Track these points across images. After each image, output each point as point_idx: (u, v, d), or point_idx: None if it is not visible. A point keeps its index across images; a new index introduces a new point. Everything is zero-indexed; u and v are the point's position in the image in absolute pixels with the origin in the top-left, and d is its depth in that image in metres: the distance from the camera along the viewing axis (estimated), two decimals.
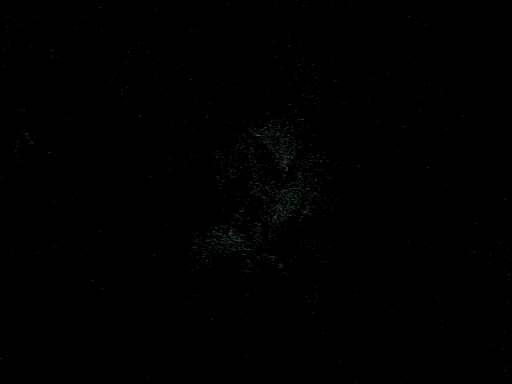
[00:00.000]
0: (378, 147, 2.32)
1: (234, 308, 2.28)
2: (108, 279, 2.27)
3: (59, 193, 2.30)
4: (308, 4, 2.34)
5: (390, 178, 2.31)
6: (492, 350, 2.21)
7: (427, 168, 2.30)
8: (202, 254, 2.30)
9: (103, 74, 2.33)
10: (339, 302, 2.27)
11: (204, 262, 2.30)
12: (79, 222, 2.29)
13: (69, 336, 2.25)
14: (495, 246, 2.25)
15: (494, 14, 2.28)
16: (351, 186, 2.31)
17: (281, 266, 2.29)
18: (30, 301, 2.27)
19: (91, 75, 2.33)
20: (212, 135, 2.35)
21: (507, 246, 2.25)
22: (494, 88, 2.29)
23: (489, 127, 2.29)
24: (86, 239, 2.29)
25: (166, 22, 2.34)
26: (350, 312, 2.27)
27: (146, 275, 2.28)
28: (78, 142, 2.32)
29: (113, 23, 2.33)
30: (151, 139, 2.34)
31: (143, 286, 2.28)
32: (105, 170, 2.32)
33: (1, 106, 2.30)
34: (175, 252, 2.31)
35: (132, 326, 2.26)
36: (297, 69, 2.37)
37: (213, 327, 2.27)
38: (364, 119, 2.33)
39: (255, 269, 2.30)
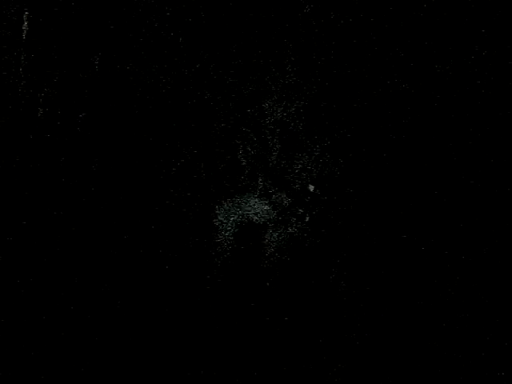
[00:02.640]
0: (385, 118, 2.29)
1: (256, 279, 2.28)
2: (126, 248, 2.28)
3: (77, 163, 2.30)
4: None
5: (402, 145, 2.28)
6: (492, 349, 2.22)
7: (424, 164, 2.28)
8: (224, 224, 2.30)
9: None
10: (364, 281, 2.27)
11: (227, 231, 2.30)
12: (95, 177, 2.29)
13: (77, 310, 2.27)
14: (495, 246, 2.24)
15: (494, 14, 2.25)
16: (369, 157, 2.29)
17: (307, 218, 2.27)
18: (30, 297, 2.28)
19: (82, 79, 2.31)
20: (230, 105, 2.33)
21: (507, 246, 2.24)
22: (494, 88, 2.26)
23: (489, 127, 2.26)
24: (105, 198, 2.29)
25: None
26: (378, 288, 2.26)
27: (167, 245, 2.29)
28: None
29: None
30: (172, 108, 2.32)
31: (164, 257, 2.29)
32: (127, 135, 2.31)
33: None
34: (197, 221, 2.31)
35: (149, 297, 2.28)
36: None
37: (235, 298, 2.28)
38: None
39: (279, 238, 2.30)
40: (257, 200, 2.33)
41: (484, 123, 2.27)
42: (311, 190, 2.22)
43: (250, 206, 2.33)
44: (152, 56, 2.34)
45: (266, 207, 2.32)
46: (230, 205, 2.33)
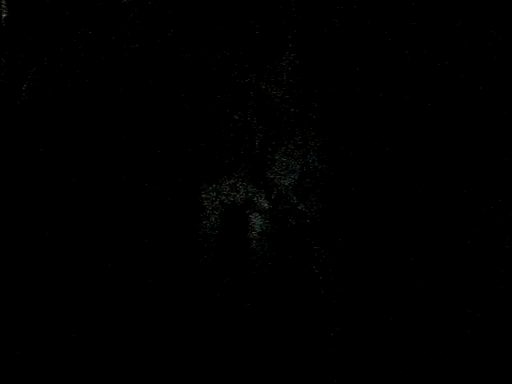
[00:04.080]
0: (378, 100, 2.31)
1: (243, 263, 2.27)
2: (115, 233, 2.26)
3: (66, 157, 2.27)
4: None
5: (393, 130, 2.31)
6: (492, 350, 2.25)
7: (424, 154, 2.31)
8: (211, 205, 2.29)
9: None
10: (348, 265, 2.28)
11: (213, 212, 2.29)
12: (85, 170, 2.26)
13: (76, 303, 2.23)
14: (495, 246, 2.27)
15: (494, 14, 2.29)
16: (354, 141, 2.31)
17: (301, 208, 2.27)
18: (29, 295, 2.25)
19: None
20: (212, 87, 2.33)
21: (507, 247, 2.28)
22: (494, 88, 2.29)
23: (489, 127, 2.29)
24: (93, 187, 2.26)
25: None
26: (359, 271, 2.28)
27: (154, 229, 2.27)
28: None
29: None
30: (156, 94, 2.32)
31: (152, 241, 2.27)
32: (114, 125, 2.29)
33: None
34: (184, 203, 2.29)
35: (139, 288, 2.25)
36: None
37: (222, 283, 2.26)
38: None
39: (265, 221, 2.30)
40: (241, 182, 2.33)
41: (483, 123, 2.28)
42: None
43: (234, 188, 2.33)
44: (140, 49, 2.33)
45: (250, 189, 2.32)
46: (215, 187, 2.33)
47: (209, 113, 2.33)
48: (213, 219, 2.29)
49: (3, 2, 2.30)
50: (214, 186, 2.31)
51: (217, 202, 2.31)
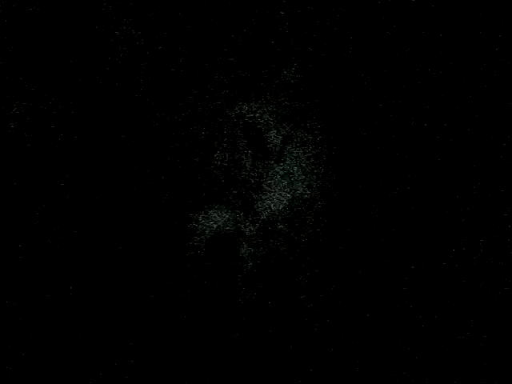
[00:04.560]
0: (367, 126, 2.31)
1: (230, 290, 2.28)
2: (106, 255, 2.27)
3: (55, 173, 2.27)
4: None
5: (379, 159, 2.31)
6: (491, 349, 2.25)
7: (426, 151, 2.30)
8: (198, 233, 2.30)
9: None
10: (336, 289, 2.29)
11: (201, 240, 2.30)
12: (75, 189, 2.27)
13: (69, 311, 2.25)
14: (494, 247, 2.26)
15: (494, 14, 2.26)
16: (342, 166, 2.31)
17: (284, 229, 2.28)
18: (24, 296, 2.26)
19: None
20: (200, 116, 2.33)
21: (506, 247, 2.26)
22: (494, 88, 2.28)
23: (488, 128, 2.28)
24: (83, 212, 2.27)
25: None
26: (349, 297, 2.29)
27: (143, 254, 2.28)
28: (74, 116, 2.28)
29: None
30: (144, 123, 2.31)
31: (141, 264, 2.28)
32: (104, 154, 2.29)
33: None
34: (172, 231, 2.30)
35: (128, 305, 2.27)
36: (279, 46, 2.33)
37: (210, 307, 2.28)
38: (355, 99, 2.31)
39: (250, 248, 2.30)
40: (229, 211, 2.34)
41: (482, 124, 2.27)
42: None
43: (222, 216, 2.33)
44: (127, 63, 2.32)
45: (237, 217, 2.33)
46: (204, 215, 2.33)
47: (197, 140, 2.32)
48: (201, 246, 2.30)
49: None
50: (203, 213, 2.31)
51: (205, 230, 2.31)
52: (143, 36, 2.32)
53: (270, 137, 2.32)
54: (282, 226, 2.30)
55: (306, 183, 2.31)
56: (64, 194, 2.28)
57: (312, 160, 2.32)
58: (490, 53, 2.27)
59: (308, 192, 2.31)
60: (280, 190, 2.31)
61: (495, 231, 2.26)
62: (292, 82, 2.31)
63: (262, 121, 2.33)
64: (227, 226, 2.30)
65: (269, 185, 2.31)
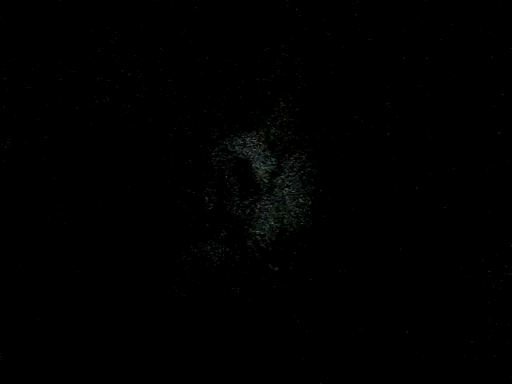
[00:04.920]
0: (354, 157, 2.33)
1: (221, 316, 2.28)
2: (100, 287, 2.28)
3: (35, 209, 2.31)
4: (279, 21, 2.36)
5: (368, 190, 2.31)
6: (491, 350, 2.20)
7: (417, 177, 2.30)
8: (190, 267, 2.31)
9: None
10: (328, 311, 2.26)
11: (192, 273, 2.30)
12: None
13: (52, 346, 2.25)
14: (494, 249, 2.24)
15: (494, 14, 2.28)
16: (329, 196, 2.32)
17: (276, 269, 2.28)
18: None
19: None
20: (188, 151, 2.37)
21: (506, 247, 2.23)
22: (494, 89, 2.28)
23: (488, 127, 2.27)
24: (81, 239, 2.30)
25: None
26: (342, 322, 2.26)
27: (136, 287, 2.29)
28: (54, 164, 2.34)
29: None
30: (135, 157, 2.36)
31: (134, 299, 2.28)
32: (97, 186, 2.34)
33: None
34: (164, 265, 2.31)
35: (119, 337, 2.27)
36: (270, 80, 2.39)
37: (203, 339, 2.27)
38: (341, 129, 2.34)
39: (240, 279, 2.30)
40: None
41: (480, 125, 2.26)
42: (275, 269, 2.26)
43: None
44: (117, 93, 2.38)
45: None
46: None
47: (188, 174, 2.36)
48: (191, 281, 2.31)
49: None
50: (194, 248, 2.33)
51: (196, 263, 2.32)
52: (136, 68, 2.39)
53: (259, 170, 2.35)
54: (271, 259, 2.30)
55: (294, 214, 2.32)
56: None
57: (301, 191, 2.33)
58: (488, 53, 2.27)
59: (297, 223, 2.32)
60: (269, 222, 2.32)
61: (495, 231, 2.23)
62: (283, 116, 2.35)
63: (252, 154, 2.36)
64: (217, 261, 2.31)
65: (258, 217, 2.33)
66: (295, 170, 2.34)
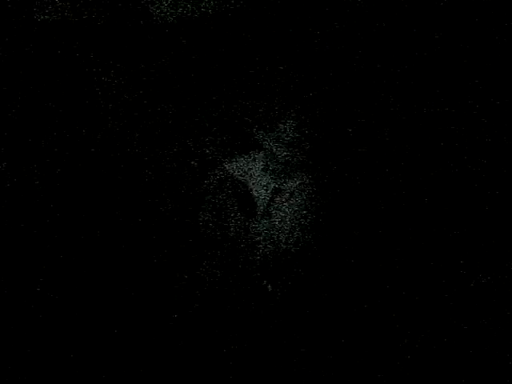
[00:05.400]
0: (354, 181, 2.32)
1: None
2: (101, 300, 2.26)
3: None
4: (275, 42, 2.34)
5: (368, 216, 2.31)
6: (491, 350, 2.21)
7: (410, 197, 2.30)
8: (188, 292, 2.29)
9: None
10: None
11: (191, 298, 2.29)
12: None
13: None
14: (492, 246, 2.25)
15: (494, 14, 2.28)
16: (328, 219, 2.32)
17: (269, 287, 2.27)
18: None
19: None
20: (185, 173, 2.34)
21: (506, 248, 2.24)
22: (494, 89, 2.28)
23: (487, 127, 2.28)
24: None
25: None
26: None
27: (131, 309, 2.27)
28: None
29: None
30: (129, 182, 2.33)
31: (128, 321, 2.26)
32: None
33: None
34: (159, 286, 2.29)
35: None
36: (271, 102, 2.37)
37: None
38: (342, 152, 2.33)
39: (235, 301, 2.29)
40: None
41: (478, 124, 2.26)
42: (269, 288, 2.25)
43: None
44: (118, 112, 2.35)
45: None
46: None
47: (185, 196, 2.34)
48: (186, 303, 2.29)
49: None
50: (187, 273, 2.31)
51: (195, 288, 2.30)
52: (132, 91, 2.36)
53: (257, 191, 2.34)
54: (268, 284, 2.29)
55: (292, 238, 2.31)
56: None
57: (299, 213, 2.32)
58: (490, 53, 2.28)
59: (294, 245, 2.30)
60: (265, 244, 2.31)
61: (494, 232, 2.25)
62: (283, 138, 2.34)
63: (249, 176, 2.34)
64: (214, 284, 2.29)
65: (254, 239, 2.31)
66: (293, 192, 2.33)
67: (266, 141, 2.35)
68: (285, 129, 2.35)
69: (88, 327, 2.24)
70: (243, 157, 2.36)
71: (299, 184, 2.33)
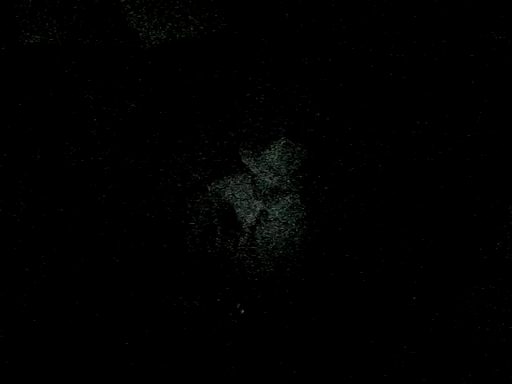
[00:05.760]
0: (342, 204, 2.32)
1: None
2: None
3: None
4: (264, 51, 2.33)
5: (356, 241, 2.31)
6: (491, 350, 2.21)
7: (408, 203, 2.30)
8: (169, 310, 2.30)
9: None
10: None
11: (172, 317, 2.30)
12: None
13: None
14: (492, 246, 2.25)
15: (494, 14, 2.26)
16: (315, 244, 2.32)
17: (242, 311, 2.28)
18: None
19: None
20: (174, 192, 2.35)
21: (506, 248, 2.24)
22: (494, 90, 2.27)
23: (487, 127, 2.27)
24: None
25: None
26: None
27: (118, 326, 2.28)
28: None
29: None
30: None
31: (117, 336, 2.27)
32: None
33: None
34: (143, 307, 2.30)
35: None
36: (261, 123, 2.36)
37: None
38: (330, 176, 2.33)
39: (219, 323, 2.29)
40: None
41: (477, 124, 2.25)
42: (242, 312, 2.25)
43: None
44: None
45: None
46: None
47: (170, 215, 2.34)
48: (170, 325, 2.29)
49: None
50: (174, 289, 2.31)
51: (176, 307, 2.31)
52: (118, 114, 2.35)
53: (243, 213, 2.34)
54: (241, 307, 2.30)
55: (274, 263, 2.31)
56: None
57: (284, 238, 2.32)
58: (490, 53, 2.27)
59: (280, 267, 2.31)
60: (251, 265, 2.31)
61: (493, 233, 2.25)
62: (271, 159, 2.34)
63: (236, 197, 2.35)
64: (197, 303, 2.30)
65: (237, 263, 2.31)
66: (281, 215, 2.33)
67: (254, 165, 2.35)
68: (273, 151, 2.35)
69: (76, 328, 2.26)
70: (230, 178, 2.36)
71: (286, 207, 2.33)
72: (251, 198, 2.35)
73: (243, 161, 2.35)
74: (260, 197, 2.34)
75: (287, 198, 2.33)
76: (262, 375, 2.24)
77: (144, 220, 2.33)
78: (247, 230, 2.33)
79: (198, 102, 2.35)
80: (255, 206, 2.34)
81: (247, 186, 2.35)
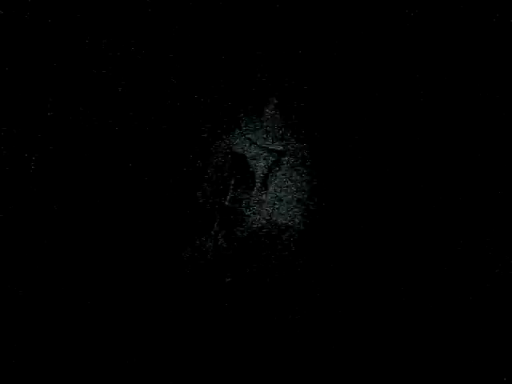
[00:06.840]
0: (354, 159, 2.32)
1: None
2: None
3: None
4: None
5: (368, 191, 2.31)
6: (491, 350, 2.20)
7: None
8: (183, 263, 2.33)
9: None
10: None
11: (188, 269, 2.33)
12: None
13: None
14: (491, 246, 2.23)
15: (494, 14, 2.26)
16: (326, 195, 2.32)
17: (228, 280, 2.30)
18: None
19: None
20: (185, 146, 2.38)
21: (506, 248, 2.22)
22: (493, 90, 2.26)
23: (487, 127, 2.26)
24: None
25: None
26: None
27: (130, 286, 2.32)
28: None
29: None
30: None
31: (128, 298, 2.31)
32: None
33: None
34: (157, 261, 2.34)
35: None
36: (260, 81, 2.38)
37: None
38: (341, 129, 2.33)
39: (231, 277, 2.32)
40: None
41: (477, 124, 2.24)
42: (227, 280, 2.27)
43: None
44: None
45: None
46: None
47: (184, 169, 2.37)
48: (184, 277, 2.33)
49: None
50: (187, 243, 2.35)
51: (191, 260, 2.34)
52: (126, 67, 2.39)
53: (256, 166, 2.35)
54: (262, 253, 2.31)
55: (288, 212, 2.32)
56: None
57: (296, 189, 2.33)
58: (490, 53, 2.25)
59: (290, 220, 2.32)
60: (262, 216, 2.33)
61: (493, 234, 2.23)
62: (282, 113, 2.35)
63: (249, 151, 2.36)
64: (209, 255, 2.33)
65: (251, 213, 2.33)
66: (292, 166, 2.34)
67: (264, 117, 2.36)
68: (282, 106, 2.36)
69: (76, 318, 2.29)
70: (242, 132, 2.37)
71: (297, 159, 2.34)
72: (263, 150, 2.36)
73: (251, 116, 2.36)
74: (272, 148, 2.36)
75: (298, 149, 2.34)
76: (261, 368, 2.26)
77: (153, 176, 2.36)
78: (260, 180, 2.35)
79: (209, 59, 2.37)
80: (267, 156, 2.35)
81: (258, 138, 2.36)
